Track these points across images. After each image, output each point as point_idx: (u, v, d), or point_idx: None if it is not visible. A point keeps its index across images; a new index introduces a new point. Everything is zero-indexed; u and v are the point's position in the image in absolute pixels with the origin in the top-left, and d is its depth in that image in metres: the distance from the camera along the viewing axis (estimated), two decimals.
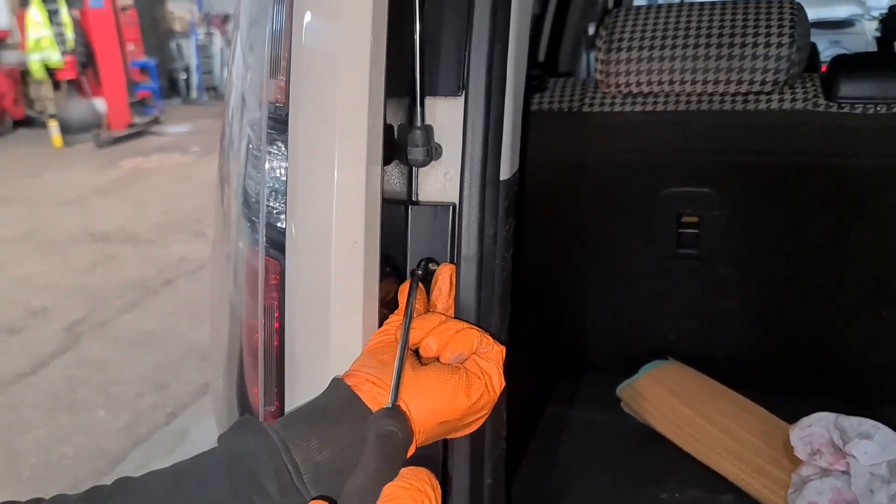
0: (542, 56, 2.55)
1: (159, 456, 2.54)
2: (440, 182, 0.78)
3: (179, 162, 7.57)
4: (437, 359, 0.68)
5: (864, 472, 1.13)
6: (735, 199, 1.39)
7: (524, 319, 1.42)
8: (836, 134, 1.27)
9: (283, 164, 0.72)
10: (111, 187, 6.61)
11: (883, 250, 1.37)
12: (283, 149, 0.72)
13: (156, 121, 9.81)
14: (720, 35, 1.25)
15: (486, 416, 0.69)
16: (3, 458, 2.59)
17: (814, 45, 2.55)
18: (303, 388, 0.71)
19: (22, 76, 9.55)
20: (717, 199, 1.38)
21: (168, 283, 4.18)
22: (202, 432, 2.66)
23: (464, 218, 0.76)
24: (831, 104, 1.26)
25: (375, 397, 0.60)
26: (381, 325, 0.71)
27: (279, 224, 0.74)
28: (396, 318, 0.71)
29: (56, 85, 9.39)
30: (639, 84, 1.31)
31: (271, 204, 0.75)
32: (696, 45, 1.26)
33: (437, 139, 0.76)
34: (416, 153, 0.73)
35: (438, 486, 0.51)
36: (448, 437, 0.73)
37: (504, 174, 0.79)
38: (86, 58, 9.29)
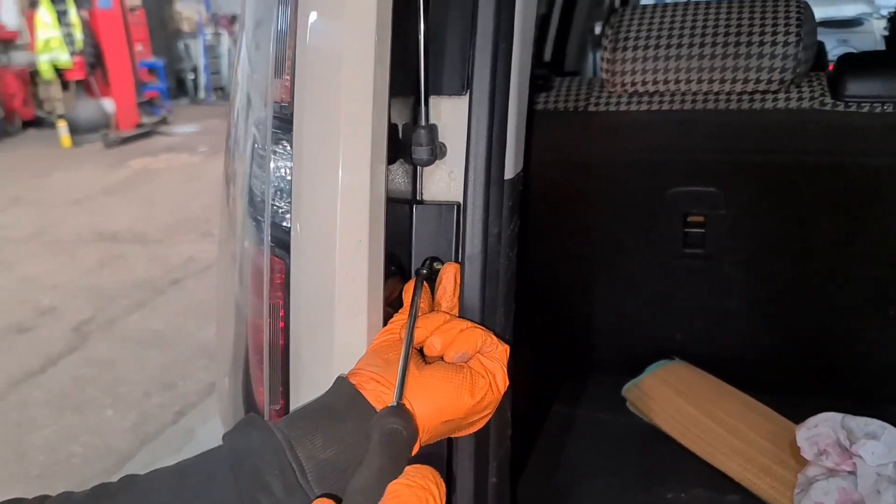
0: (548, 55, 2.55)
1: (167, 455, 2.55)
2: (445, 181, 0.78)
3: (187, 162, 7.59)
4: (442, 358, 0.68)
5: (871, 473, 1.13)
6: (741, 198, 1.38)
7: (529, 318, 1.42)
8: (842, 133, 1.26)
9: (289, 164, 0.73)
10: (119, 187, 6.64)
11: (890, 250, 1.36)
12: (288, 148, 0.72)
13: (164, 121, 9.85)
14: (726, 34, 1.24)
15: (491, 415, 0.69)
16: (12, 456, 2.60)
17: (821, 44, 2.55)
18: (308, 387, 0.71)
19: (31, 77, 9.60)
20: (724, 199, 1.38)
21: (176, 282, 4.20)
22: (209, 431, 2.67)
23: (468, 217, 0.76)
24: (838, 103, 1.25)
25: (379, 396, 0.60)
26: (385, 324, 0.72)
27: (284, 223, 0.74)
28: (401, 317, 0.71)
29: (65, 85, 9.44)
30: (644, 83, 1.31)
31: (276, 203, 0.75)
32: (703, 44, 1.25)
33: (441, 138, 0.76)
34: (420, 152, 0.73)
35: (443, 485, 0.51)
36: (452, 436, 0.73)
37: (508, 173, 0.79)
38: (94, 58, 9.34)
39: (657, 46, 1.28)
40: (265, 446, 0.55)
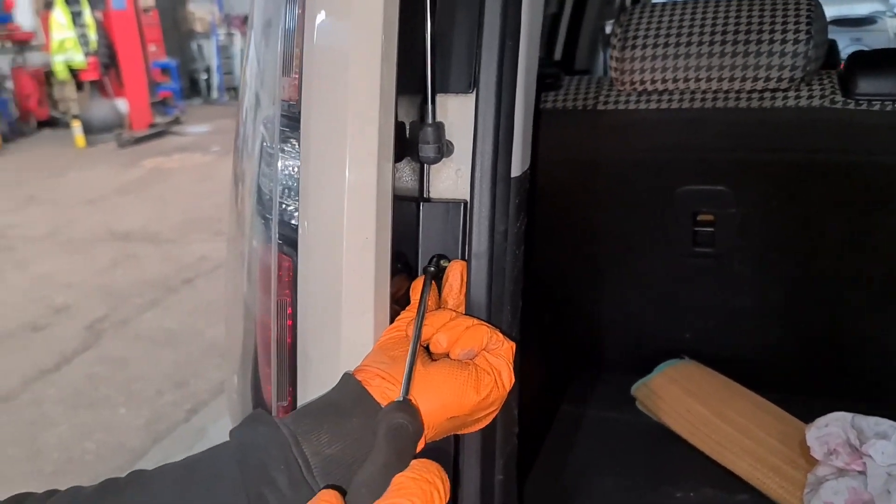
0: (558, 54, 2.55)
1: (179, 452, 2.57)
2: (451, 179, 0.78)
3: (200, 161, 7.63)
4: (448, 355, 0.68)
5: (881, 473, 1.12)
6: (751, 197, 1.38)
7: (537, 317, 1.42)
8: (853, 131, 1.25)
9: (297, 162, 0.73)
10: (133, 187, 6.68)
11: None
12: (297, 146, 0.72)
13: (177, 121, 9.91)
14: (736, 32, 1.24)
15: (497, 413, 0.69)
16: (26, 453, 2.63)
17: (832, 43, 2.53)
18: (315, 384, 0.72)
19: (46, 77, 9.69)
20: (733, 198, 1.37)
21: (188, 281, 4.22)
22: (221, 429, 2.68)
23: (475, 215, 0.76)
24: (849, 101, 1.24)
25: (385, 392, 0.61)
26: (392, 321, 0.72)
27: (292, 221, 0.74)
28: (407, 315, 0.71)
29: (79, 86, 9.52)
30: (654, 81, 1.30)
31: (284, 201, 0.76)
32: (712, 42, 1.25)
33: (448, 136, 0.76)
34: (427, 150, 0.74)
35: (447, 479, 0.51)
36: (459, 433, 0.73)
37: (515, 171, 0.79)
38: (108, 59, 9.41)
39: (666, 45, 1.27)
40: (271, 441, 0.56)
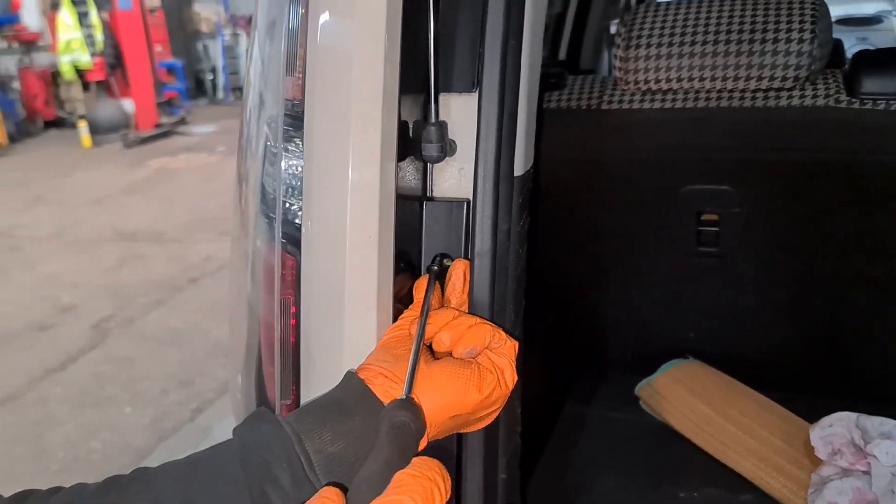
0: (563, 54, 2.55)
1: (184, 451, 2.54)
2: (455, 178, 0.78)
3: (205, 161, 7.65)
4: (451, 354, 0.68)
5: (886, 473, 1.12)
6: (755, 196, 1.37)
7: (541, 316, 1.42)
8: (858, 130, 1.25)
9: (300, 161, 0.73)
10: (138, 187, 6.70)
11: None
12: (300, 145, 0.73)
13: (182, 121, 9.94)
14: (740, 31, 1.24)
15: (499, 411, 0.69)
16: (32, 452, 2.64)
17: (838, 42, 2.52)
18: (318, 382, 0.72)
19: (53, 78, 9.72)
20: (738, 197, 1.37)
21: (193, 281, 4.23)
22: (226, 428, 2.67)
23: (478, 213, 0.76)
24: (853, 100, 1.24)
25: (388, 391, 0.61)
26: (395, 320, 0.72)
27: (296, 220, 0.75)
28: (410, 313, 0.72)
29: (86, 86, 9.55)
30: (658, 81, 1.30)
31: (288, 200, 0.76)
32: (716, 42, 1.25)
33: (451, 135, 0.76)
34: (430, 149, 0.74)
35: (449, 477, 0.51)
36: (461, 432, 0.73)
37: (518, 170, 0.79)
38: (114, 59, 9.45)
39: (671, 44, 1.27)
40: (274, 439, 0.56)
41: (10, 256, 4.86)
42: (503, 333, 0.69)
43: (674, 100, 1.34)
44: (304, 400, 0.75)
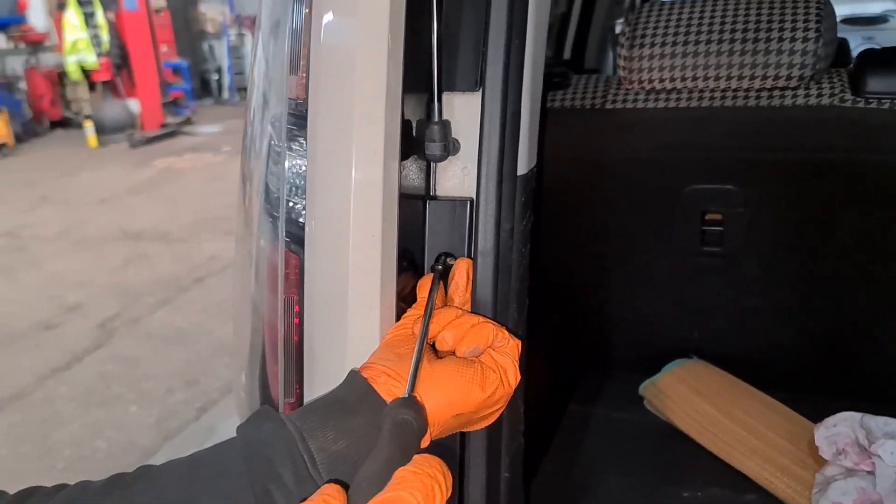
0: (568, 53, 2.54)
1: (189, 450, 2.55)
2: (458, 177, 0.78)
3: (211, 161, 7.67)
4: (454, 353, 0.68)
5: (890, 473, 1.12)
6: (760, 196, 1.37)
7: (545, 315, 1.42)
8: (863, 129, 1.25)
9: (304, 160, 0.73)
10: (144, 187, 6.72)
11: None
12: (304, 144, 0.73)
13: (188, 121, 9.96)
14: (745, 30, 1.23)
15: (502, 410, 0.69)
16: (38, 450, 2.65)
17: (843, 41, 2.51)
18: (321, 381, 0.72)
19: (59, 78, 9.76)
20: (742, 197, 1.37)
21: (198, 280, 4.24)
22: (230, 427, 2.67)
23: (481, 212, 0.76)
24: (858, 99, 1.24)
25: (391, 389, 0.61)
26: (398, 318, 0.72)
27: (300, 220, 0.75)
28: (413, 312, 0.72)
29: (92, 86, 9.58)
30: (662, 80, 1.30)
31: (292, 199, 0.76)
32: (720, 41, 1.24)
33: (454, 134, 0.76)
34: (433, 148, 0.74)
35: (450, 475, 0.51)
36: (464, 431, 0.73)
37: (521, 169, 0.79)
38: (120, 59, 9.47)
39: (674, 43, 1.27)
40: (277, 438, 0.56)
41: (17, 256, 4.88)
42: (506, 332, 0.69)
43: (678, 99, 1.33)
44: (307, 399, 0.75)
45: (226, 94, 12.10)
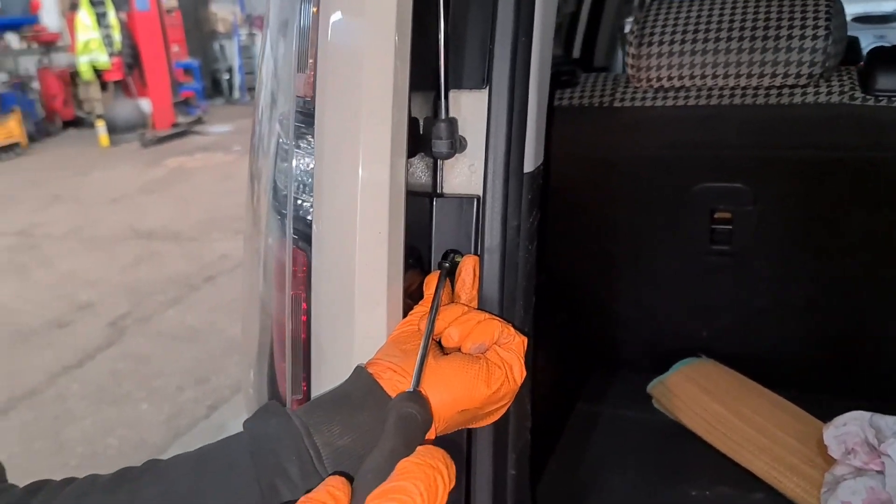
0: (577, 52, 2.54)
1: None
2: (465, 174, 0.78)
3: (222, 161, 7.70)
4: (460, 349, 0.68)
5: None
6: (769, 194, 1.36)
7: (552, 313, 1.42)
8: (873, 128, 1.24)
9: (311, 158, 0.74)
10: (155, 186, 6.75)
11: None
12: (311, 143, 0.73)
13: (199, 120, 10.00)
14: (753, 28, 1.23)
15: (508, 407, 0.70)
16: (51, 447, 2.67)
17: (854, 40, 2.50)
18: (328, 377, 0.72)
19: (71, 78, 9.83)
20: (751, 195, 1.36)
21: (209, 279, 4.26)
22: (240, 425, 2.70)
23: (487, 210, 0.77)
24: (868, 97, 1.23)
25: (396, 385, 0.61)
26: (405, 315, 0.72)
27: (307, 217, 0.75)
28: (420, 309, 0.72)
29: (104, 86, 9.64)
30: (670, 78, 1.30)
31: (299, 197, 0.76)
32: (729, 39, 1.24)
33: (461, 132, 0.76)
34: (440, 146, 0.74)
35: (453, 465, 0.51)
36: (470, 427, 0.74)
37: (528, 167, 0.79)
38: (132, 59, 9.52)
39: (683, 41, 1.27)
40: (284, 433, 0.57)
41: (29, 255, 4.91)
42: (512, 329, 0.69)
43: (686, 97, 1.33)
44: (314, 395, 0.75)
45: (236, 94, 12.14)
